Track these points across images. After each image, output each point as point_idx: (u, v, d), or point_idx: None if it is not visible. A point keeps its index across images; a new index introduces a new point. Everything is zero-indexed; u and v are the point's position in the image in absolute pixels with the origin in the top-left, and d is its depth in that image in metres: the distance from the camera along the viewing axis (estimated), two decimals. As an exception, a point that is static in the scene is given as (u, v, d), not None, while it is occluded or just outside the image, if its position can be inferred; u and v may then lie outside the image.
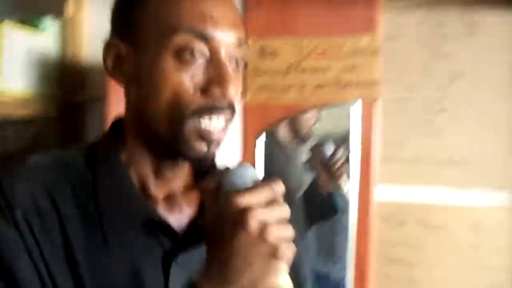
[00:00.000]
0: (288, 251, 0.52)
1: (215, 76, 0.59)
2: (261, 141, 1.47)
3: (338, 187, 1.41)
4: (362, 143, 1.38)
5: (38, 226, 0.57)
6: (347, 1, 1.38)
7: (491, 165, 1.31)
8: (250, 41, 1.47)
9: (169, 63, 0.58)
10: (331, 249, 1.45)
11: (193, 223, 0.67)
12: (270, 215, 0.52)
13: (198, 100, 0.59)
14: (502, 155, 1.30)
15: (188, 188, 0.70)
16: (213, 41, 0.59)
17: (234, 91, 0.60)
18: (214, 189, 0.57)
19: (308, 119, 1.50)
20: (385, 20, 1.37)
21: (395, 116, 1.39)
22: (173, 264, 0.61)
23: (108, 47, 0.64)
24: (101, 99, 1.61)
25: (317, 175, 1.47)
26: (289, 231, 0.53)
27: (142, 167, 0.65)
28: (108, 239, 0.60)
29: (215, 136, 0.61)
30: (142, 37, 0.61)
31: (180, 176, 0.68)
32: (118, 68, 0.63)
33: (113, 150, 0.65)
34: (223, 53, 0.60)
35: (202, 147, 0.61)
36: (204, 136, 0.60)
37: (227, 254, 0.51)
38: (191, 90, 0.59)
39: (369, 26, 1.37)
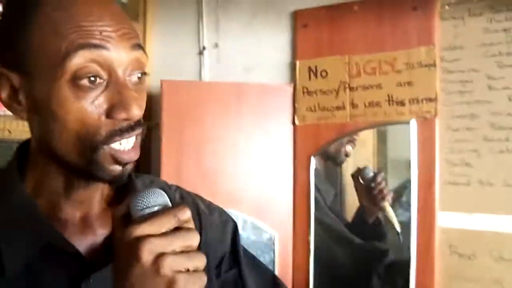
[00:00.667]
0: (190, 283, 0.49)
1: (116, 99, 0.55)
2: (313, 164, 1.42)
3: (383, 213, 1.31)
4: (421, 166, 1.26)
5: None
6: (400, 14, 1.29)
7: None
8: (298, 63, 1.45)
9: (66, 92, 0.54)
10: (392, 284, 1.33)
11: (106, 244, 0.63)
12: (167, 245, 0.49)
13: (105, 126, 0.55)
14: None
15: (106, 208, 0.66)
16: (108, 60, 0.55)
17: (138, 111, 0.56)
18: (124, 215, 0.55)
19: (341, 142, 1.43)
20: (443, 29, 1.26)
21: (458, 134, 1.25)
22: (83, 286, 0.58)
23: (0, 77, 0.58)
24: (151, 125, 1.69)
25: (361, 200, 1.39)
26: (194, 261, 0.50)
27: (53, 190, 0.61)
28: (6, 272, 0.56)
29: (128, 156, 0.58)
30: (32, 67, 0.55)
31: (95, 196, 0.64)
32: (14, 99, 0.58)
33: (15, 178, 0.61)
34: (120, 71, 0.56)
35: (117, 169, 0.58)
36: (118, 159, 0.57)
37: (126, 285, 0.49)
38: (95, 117, 0.55)
39: (425, 38, 1.27)
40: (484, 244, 1.20)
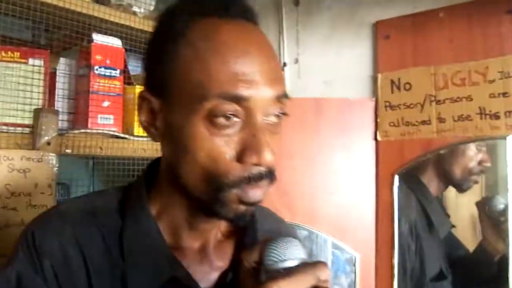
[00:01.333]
0: None
1: (249, 142, 0.54)
2: (397, 180, 1.34)
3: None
4: (521, 185, 1.12)
5: (65, 278, 0.57)
6: (492, 18, 1.18)
7: None
8: (380, 76, 1.38)
9: (201, 127, 0.54)
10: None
11: (223, 278, 0.63)
12: None
13: (236, 169, 0.54)
14: None
15: (222, 240, 0.66)
16: (248, 101, 0.53)
17: (270, 157, 0.54)
18: (254, 262, 0.54)
19: (468, 160, 1.31)
20: (545, 33, 1.12)
21: None
22: None
23: (141, 100, 0.60)
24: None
25: (485, 234, 1.26)
26: None
27: (176, 217, 0.62)
28: None
29: (254, 196, 0.56)
30: (173, 94, 0.56)
31: (215, 227, 0.65)
32: (152, 122, 0.60)
33: (143, 198, 0.62)
34: (259, 114, 0.54)
35: (242, 209, 0.57)
36: (244, 199, 0.56)
37: None
38: (226, 157, 0.54)
39: (521, 43, 1.13)
40: None
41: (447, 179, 1.36)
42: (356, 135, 1.41)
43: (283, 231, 0.76)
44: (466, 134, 1.20)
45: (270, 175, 0.57)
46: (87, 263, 0.58)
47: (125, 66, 1.46)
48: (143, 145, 1.49)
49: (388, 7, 1.38)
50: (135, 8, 1.51)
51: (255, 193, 0.56)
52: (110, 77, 1.40)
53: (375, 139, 1.38)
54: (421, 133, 1.28)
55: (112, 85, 1.41)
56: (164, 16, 0.61)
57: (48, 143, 1.22)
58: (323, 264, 0.50)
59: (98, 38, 1.38)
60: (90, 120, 1.36)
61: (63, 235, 0.58)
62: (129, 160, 1.57)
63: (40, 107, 1.25)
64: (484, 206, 1.26)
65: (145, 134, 1.45)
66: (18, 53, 1.22)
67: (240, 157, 0.54)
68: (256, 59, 0.54)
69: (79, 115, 1.39)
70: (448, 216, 1.39)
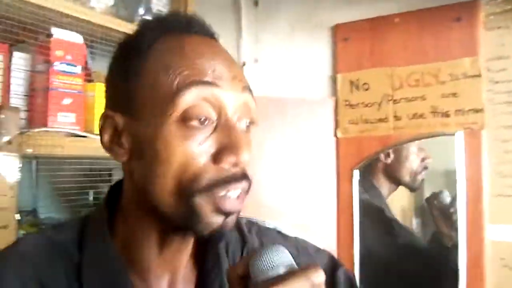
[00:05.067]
0: None
1: (226, 142, 0.52)
2: (356, 177, 1.42)
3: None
4: (469, 178, 1.24)
5: None
6: (442, 25, 1.29)
7: None
8: (339, 76, 1.46)
9: (174, 131, 0.52)
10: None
11: None
12: None
13: (210, 172, 0.52)
14: None
15: (187, 267, 0.63)
16: (219, 99, 0.53)
17: (248, 157, 0.52)
18: (242, 276, 0.51)
19: (412, 162, 1.42)
20: (488, 39, 1.25)
21: (507, 145, 1.23)
22: None
23: (103, 119, 0.58)
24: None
25: (437, 226, 1.36)
26: None
27: (144, 246, 0.58)
28: None
29: (231, 205, 0.53)
30: (140, 106, 0.54)
31: (185, 253, 0.61)
32: (116, 142, 0.56)
33: (104, 230, 0.58)
34: (231, 112, 0.54)
35: (219, 219, 0.53)
36: (219, 209, 0.52)
37: None
38: (200, 160, 0.52)
39: (469, 48, 1.26)
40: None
41: (397, 182, 1.46)
42: (317, 132, 1.48)
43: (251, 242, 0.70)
44: (420, 131, 1.31)
45: (246, 178, 0.54)
46: None
47: (86, 62, 1.42)
48: (104, 144, 1.45)
49: (345, 11, 1.46)
50: (93, 3, 1.46)
51: (231, 199, 0.53)
52: (70, 73, 1.35)
53: (335, 136, 1.46)
54: (378, 130, 1.37)
55: (73, 82, 1.36)
56: (127, 37, 0.61)
57: (9, 142, 1.16)
58: (316, 266, 0.48)
59: (58, 33, 1.33)
60: (49, 118, 1.31)
61: (24, 276, 0.55)
62: (75, 160, 1.52)
63: (-2, 104, 1.18)
64: (433, 200, 1.37)
65: None
66: (-26, 47, 1.15)
67: (215, 159, 0.52)
68: (221, 60, 0.55)
69: (36, 112, 1.32)
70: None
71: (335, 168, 1.46)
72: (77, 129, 1.37)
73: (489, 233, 1.22)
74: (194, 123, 0.52)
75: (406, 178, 1.43)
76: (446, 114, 1.27)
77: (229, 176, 0.52)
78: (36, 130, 1.27)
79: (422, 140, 1.34)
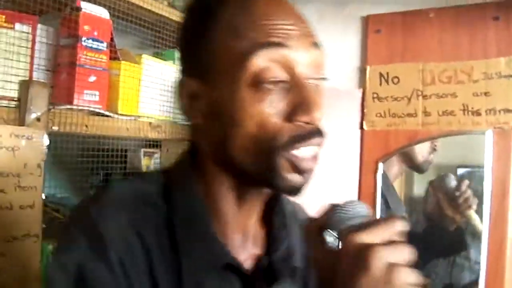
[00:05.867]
0: None
1: (299, 101, 0.53)
2: (380, 170, 1.43)
3: (467, 222, 1.30)
4: (496, 175, 1.26)
5: (131, 268, 0.54)
6: (479, 23, 1.29)
7: None
8: (369, 68, 1.45)
9: (247, 95, 0.53)
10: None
11: (259, 264, 0.62)
12: (395, 256, 0.46)
13: (285, 130, 0.53)
14: None
15: (256, 226, 0.64)
16: (289, 59, 0.53)
17: (320, 114, 0.54)
18: (320, 228, 0.53)
19: (423, 148, 1.44)
20: (523, 41, 1.26)
21: (535, 146, 1.25)
22: None
23: (180, 86, 0.60)
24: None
25: (441, 209, 1.38)
26: (415, 277, 0.47)
27: (222, 202, 0.60)
28: (184, 282, 0.56)
29: (308, 165, 0.55)
30: (213, 72, 0.56)
31: (256, 211, 0.63)
32: (194, 106, 0.58)
33: (191, 182, 0.60)
34: (302, 71, 0.54)
35: (296, 178, 0.55)
36: (297, 167, 0.54)
37: None
38: (275, 120, 0.53)
39: (505, 48, 1.26)
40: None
41: (408, 163, 1.47)
42: (342, 123, 1.47)
43: (299, 213, 0.74)
44: (450, 128, 1.32)
45: (320, 133, 0.55)
46: (147, 251, 0.56)
47: (112, 39, 1.37)
48: (126, 124, 1.41)
49: (378, 3, 1.45)
50: (119, -23, 1.41)
51: (307, 158, 0.54)
52: (97, 50, 1.30)
53: (361, 128, 1.46)
54: (406, 125, 1.38)
55: (98, 59, 1.31)
56: (192, 3, 0.61)
57: (38, 119, 1.12)
58: (399, 217, 0.49)
59: (86, 7, 1.27)
60: (75, 95, 1.26)
61: (121, 222, 0.56)
62: (81, 138, 1.47)
63: (26, 78, 1.13)
64: (439, 183, 1.39)
65: (129, 113, 1.38)
66: (4, 17, 1.09)
67: (289, 117, 0.53)
68: (288, 18, 0.55)
69: (60, 88, 1.27)
70: (401, 201, 1.52)
71: (358, 159, 1.46)
72: (99, 108, 1.33)
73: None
74: (266, 85, 0.53)
75: (420, 158, 1.43)
76: (477, 113, 1.28)
77: (305, 132, 0.54)
78: (62, 107, 1.22)
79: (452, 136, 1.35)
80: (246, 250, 0.62)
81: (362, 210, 0.52)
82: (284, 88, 0.54)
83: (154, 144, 1.68)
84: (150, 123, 1.49)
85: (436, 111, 1.33)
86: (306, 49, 0.54)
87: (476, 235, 1.28)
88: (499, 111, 1.26)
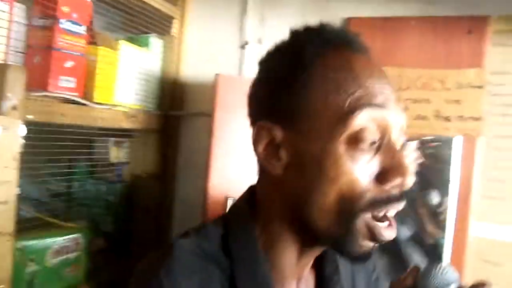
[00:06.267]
0: None
1: (390, 163, 0.53)
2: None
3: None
4: (461, 179, 1.35)
5: None
6: (455, 35, 1.37)
7: None
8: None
9: (343, 151, 0.52)
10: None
11: None
12: None
13: (373, 191, 0.53)
14: None
15: (308, 273, 0.65)
16: (386, 121, 0.53)
17: (412, 180, 0.53)
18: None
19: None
20: (492, 54, 1.35)
21: (497, 153, 1.36)
22: None
23: (260, 130, 0.57)
24: (197, 114, 1.68)
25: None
26: None
27: (285, 255, 0.59)
28: None
29: (387, 234, 0.54)
30: (306, 122, 0.55)
31: (311, 261, 0.63)
32: (272, 153, 0.57)
33: (252, 241, 0.59)
34: (394, 134, 0.54)
35: (368, 244, 0.55)
36: (375, 235, 0.54)
37: None
38: (366, 180, 0.53)
39: (476, 60, 1.35)
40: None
41: None
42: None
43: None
44: (422, 132, 1.39)
45: (403, 199, 0.55)
46: None
47: (91, 23, 1.28)
48: (102, 114, 1.34)
49: (359, 6, 1.48)
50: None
51: (388, 227, 0.54)
52: (75, 33, 1.22)
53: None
54: (381, 127, 1.43)
55: (76, 44, 1.22)
56: (287, 46, 0.60)
57: (14, 108, 1.03)
58: (486, 282, 0.53)
59: (66, -14, 1.18)
60: (50, 81, 1.17)
61: (193, 286, 0.54)
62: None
63: (2, 62, 1.03)
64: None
65: (104, 101, 1.31)
66: (-20, -7, 0.99)
67: (380, 179, 0.53)
68: (385, 83, 0.56)
69: (33, 74, 1.17)
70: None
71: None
72: (76, 95, 1.25)
73: (473, 230, 1.35)
74: (362, 145, 0.52)
75: None
76: (448, 119, 1.37)
77: (390, 196, 0.53)
78: (37, 94, 1.14)
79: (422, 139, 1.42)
80: None
81: (453, 275, 0.54)
82: (375, 149, 0.53)
83: (123, 134, 1.61)
84: (125, 112, 1.43)
85: (411, 115, 1.40)
86: (399, 113, 0.55)
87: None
88: (468, 118, 1.35)
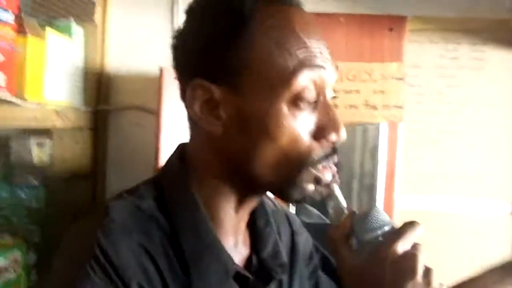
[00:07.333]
0: None
1: (327, 121, 0.56)
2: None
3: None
4: (387, 159, 1.53)
5: None
6: (378, 32, 1.52)
7: (493, 178, 1.55)
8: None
9: (285, 111, 0.54)
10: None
11: (249, 263, 0.64)
12: (426, 261, 0.53)
13: (314, 149, 0.55)
14: (505, 170, 1.55)
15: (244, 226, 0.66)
16: (323, 81, 0.56)
17: (345, 135, 0.57)
18: (347, 235, 0.58)
19: None
20: (409, 50, 1.54)
21: (414, 136, 1.56)
22: None
23: (194, 89, 0.56)
24: (126, 108, 1.57)
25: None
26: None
27: (221, 209, 0.60)
28: None
29: (330, 178, 0.58)
30: (249, 82, 0.55)
31: (247, 215, 0.64)
32: (210, 112, 0.56)
33: (190, 197, 0.59)
34: (328, 92, 0.57)
35: (311, 187, 0.57)
36: (319, 181, 0.57)
37: None
38: (307, 138, 0.55)
39: (396, 55, 1.52)
40: (427, 220, 1.56)
41: None
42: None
43: (279, 210, 0.77)
44: (353, 120, 1.53)
45: (337, 151, 0.58)
46: (160, 272, 0.54)
47: (19, 9, 1.11)
48: (35, 113, 1.18)
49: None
50: None
51: (331, 170, 0.57)
52: (3, 22, 1.04)
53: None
54: (317, 116, 1.53)
55: (3, 33, 1.05)
56: (216, 3, 0.58)
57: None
58: (417, 222, 0.56)
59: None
60: (-22, 79, 1.00)
61: (133, 246, 0.53)
62: None
63: None
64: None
65: (35, 99, 1.18)
66: None
67: (318, 136, 0.55)
68: (322, 40, 0.58)
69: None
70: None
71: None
72: (6, 94, 1.07)
73: (398, 202, 1.55)
74: (302, 104, 0.54)
75: None
76: (375, 107, 1.52)
77: (329, 151, 0.57)
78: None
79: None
80: (238, 252, 0.63)
81: (387, 218, 0.57)
82: (312, 107, 0.56)
83: (41, 132, 1.44)
84: (56, 110, 1.28)
85: (343, 105, 1.52)
86: (334, 72, 0.58)
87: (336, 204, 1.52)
88: (391, 107, 1.52)
